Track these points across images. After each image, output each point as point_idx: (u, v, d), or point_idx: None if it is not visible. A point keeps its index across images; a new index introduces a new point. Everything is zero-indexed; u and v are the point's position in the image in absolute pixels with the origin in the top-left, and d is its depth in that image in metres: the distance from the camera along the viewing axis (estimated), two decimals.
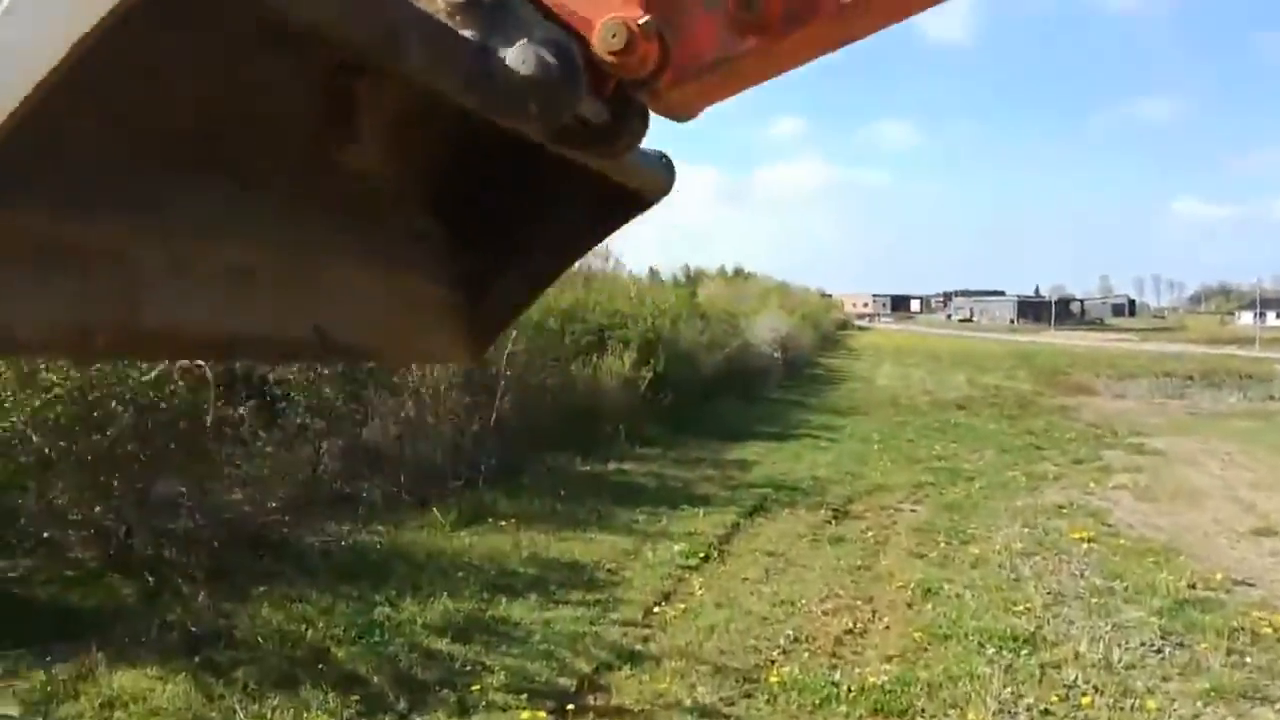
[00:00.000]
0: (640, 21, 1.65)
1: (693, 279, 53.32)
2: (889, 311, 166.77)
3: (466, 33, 1.53)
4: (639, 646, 7.44)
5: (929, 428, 23.13)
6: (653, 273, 46.11)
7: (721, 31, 1.77)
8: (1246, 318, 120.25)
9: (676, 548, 10.26)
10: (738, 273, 68.70)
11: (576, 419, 15.93)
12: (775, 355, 35.52)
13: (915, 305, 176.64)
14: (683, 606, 8.47)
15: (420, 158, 2.06)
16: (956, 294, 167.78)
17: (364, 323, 2.22)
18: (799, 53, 1.96)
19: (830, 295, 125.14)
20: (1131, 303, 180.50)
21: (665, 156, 2.37)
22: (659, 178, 2.35)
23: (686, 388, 21.09)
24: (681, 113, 2.07)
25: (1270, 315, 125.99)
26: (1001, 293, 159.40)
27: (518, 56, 1.53)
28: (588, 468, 14.87)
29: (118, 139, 1.34)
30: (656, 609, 8.36)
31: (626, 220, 2.43)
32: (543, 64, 1.57)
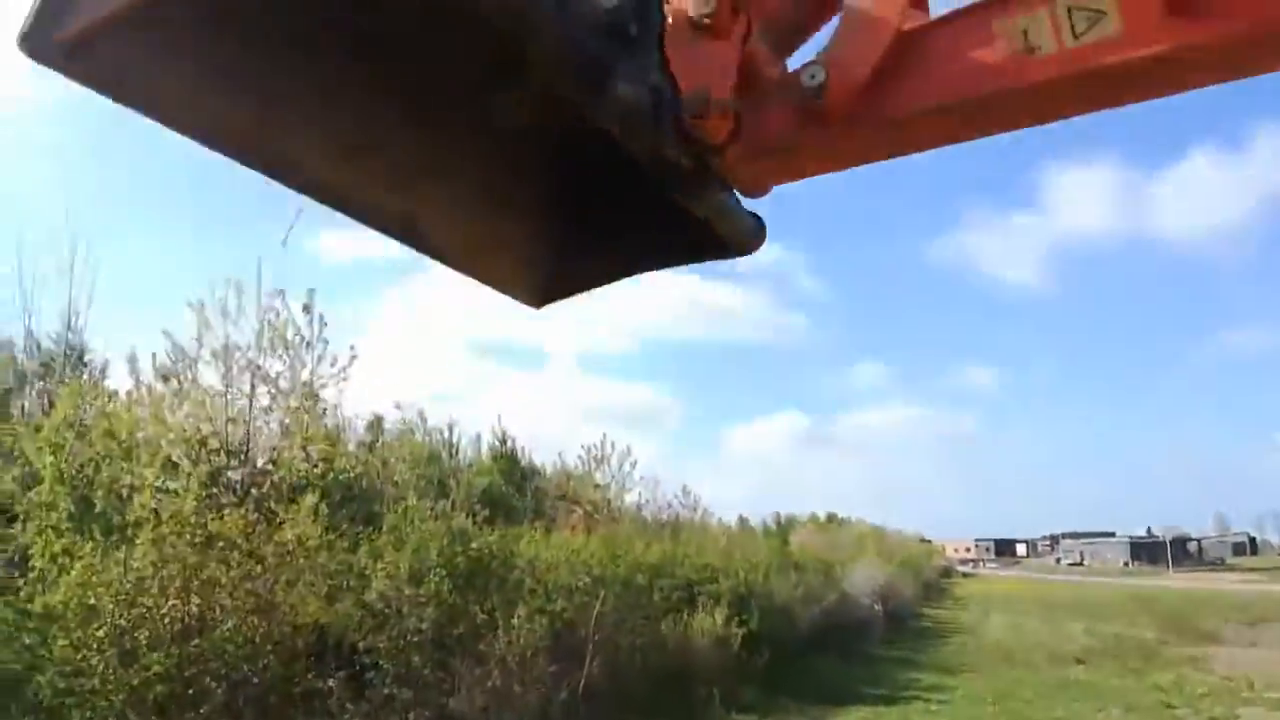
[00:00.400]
0: (718, 98, 2.03)
1: (784, 526, 52.43)
2: (993, 556, 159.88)
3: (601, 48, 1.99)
4: None
5: (1047, 685, 21.64)
6: (742, 521, 45.64)
7: (790, 120, 2.10)
8: None
9: None
10: (830, 518, 67.47)
11: (668, 681, 15.40)
12: (875, 607, 34.09)
13: (1021, 549, 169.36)
14: None
15: (562, 131, 2.39)
16: (1064, 536, 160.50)
17: (457, 232, 2.64)
18: (855, 153, 2.26)
19: (930, 540, 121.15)
20: (1253, 540, 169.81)
21: (759, 218, 2.66)
22: (746, 233, 2.63)
23: (782, 645, 20.31)
24: (747, 185, 2.39)
25: None
26: (1112, 534, 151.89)
27: (628, 86, 1.97)
28: None
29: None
30: None
31: (707, 258, 2.73)
32: (640, 98, 1.97)
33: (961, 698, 19.59)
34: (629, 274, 2.76)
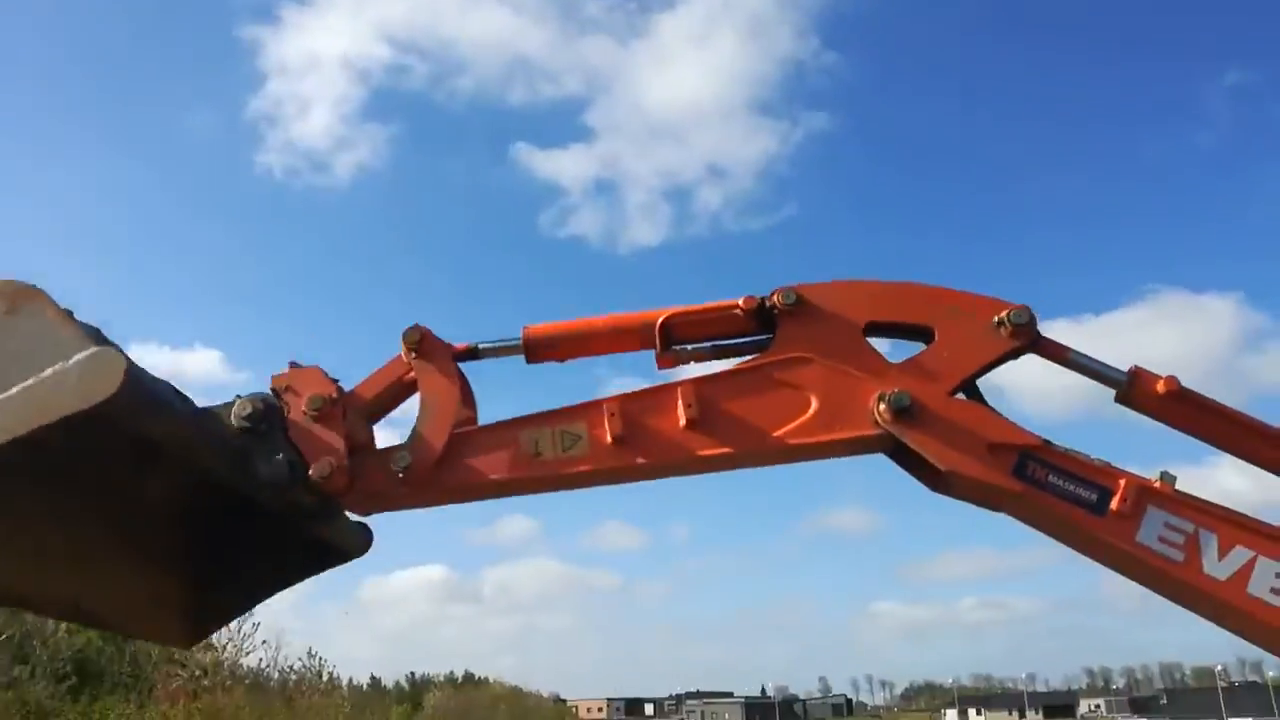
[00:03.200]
0: (337, 465, 3.12)
1: (417, 688, 50.52)
2: (624, 715, 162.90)
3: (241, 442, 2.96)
4: None
5: None
6: (374, 681, 43.71)
7: (387, 480, 3.01)
8: (952, 715, 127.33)
9: None
10: (468, 678, 65.95)
11: None
12: None
13: (649, 709, 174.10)
14: None
15: (188, 497, 3.15)
16: (688, 696, 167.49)
17: (117, 602, 3.24)
18: (434, 502, 3.30)
19: (565, 700, 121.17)
20: (849, 701, 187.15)
21: (366, 526, 3.67)
22: (361, 542, 3.65)
23: None
24: (361, 512, 3.28)
25: (971, 712, 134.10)
26: (730, 694, 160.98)
27: (266, 466, 3.01)
28: None
29: None
30: None
31: (331, 566, 3.60)
32: (278, 472, 3.01)
33: None
34: (269, 594, 3.60)
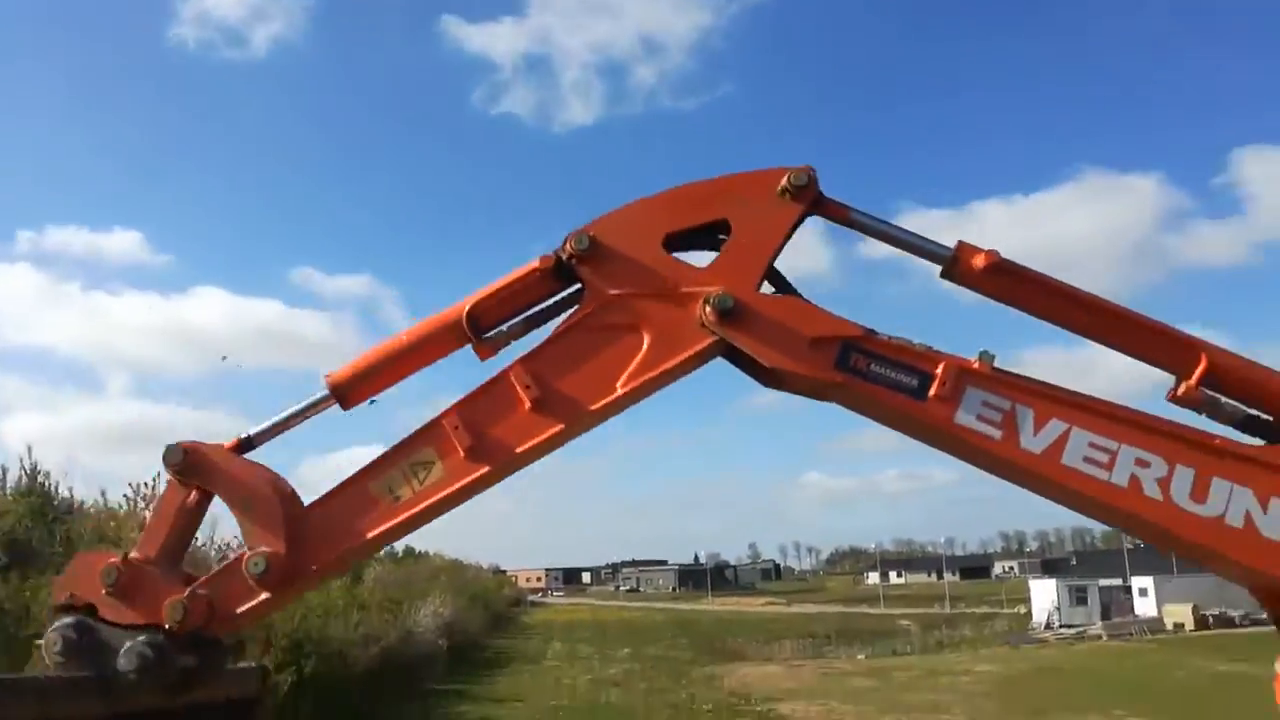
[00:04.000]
0: (182, 599, 2.93)
1: (358, 564, 51.29)
2: (561, 585, 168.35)
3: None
4: None
5: (580, 711, 23.55)
6: None
7: (247, 589, 2.86)
8: (874, 576, 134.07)
9: None
10: (409, 553, 66.94)
11: None
12: (440, 642, 34.64)
13: (586, 577, 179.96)
14: None
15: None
16: (624, 565, 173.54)
17: None
18: (309, 587, 3.13)
19: (504, 571, 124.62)
20: (777, 567, 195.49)
21: (264, 668, 3.70)
22: (252, 685, 3.51)
23: (334, 690, 20.18)
24: (234, 631, 3.16)
25: (893, 575, 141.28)
26: (664, 562, 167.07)
27: (126, 660, 2.85)
28: None
29: None
30: None
31: None
32: (137, 651, 2.86)
33: None
34: None
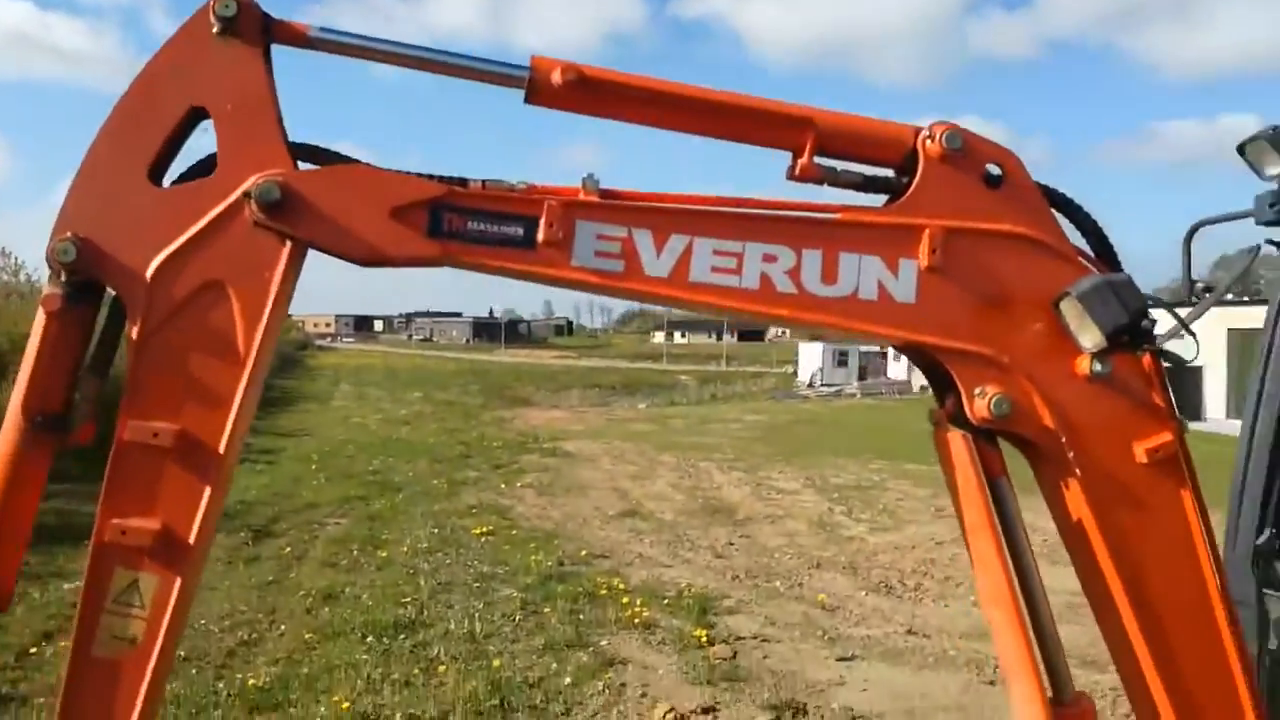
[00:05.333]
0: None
1: None
2: (352, 331, 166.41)
3: None
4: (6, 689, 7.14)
5: (372, 445, 23.96)
6: None
7: None
8: (660, 336, 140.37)
9: (67, 585, 9.78)
10: None
11: None
12: None
13: (378, 326, 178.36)
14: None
15: None
16: (418, 315, 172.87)
17: None
18: None
19: (290, 316, 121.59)
20: (570, 324, 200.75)
21: None
22: None
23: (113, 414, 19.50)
24: None
25: (677, 335, 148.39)
26: (459, 314, 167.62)
27: None
28: None
29: None
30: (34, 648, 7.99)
31: None
32: None
33: (289, 457, 20.92)
34: None
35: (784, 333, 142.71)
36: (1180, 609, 2.12)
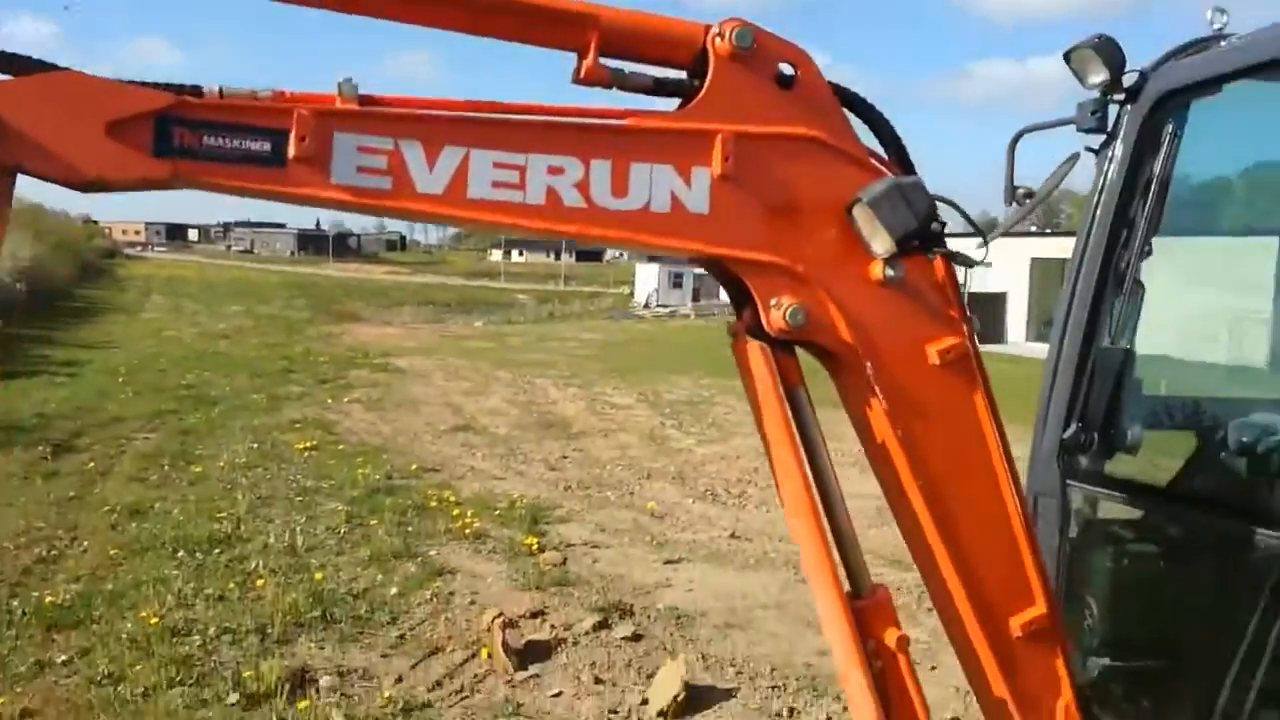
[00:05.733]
0: None
1: None
2: (165, 241, 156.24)
3: None
4: None
5: (186, 359, 22.69)
6: None
7: None
8: (496, 254, 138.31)
9: None
10: None
11: None
12: (19, 286, 31.44)
13: (194, 235, 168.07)
14: None
15: None
16: (237, 225, 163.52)
17: None
18: None
19: (96, 222, 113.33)
20: (403, 239, 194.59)
21: None
22: None
23: None
24: None
25: (514, 253, 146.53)
26: (283, 225, 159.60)
27: None
28: None
29: None
30: None
31: None
32: None
33: (95, 370, 19.57)
34: None
35: (621, 254, 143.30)
36: (973, 504, 2.19)
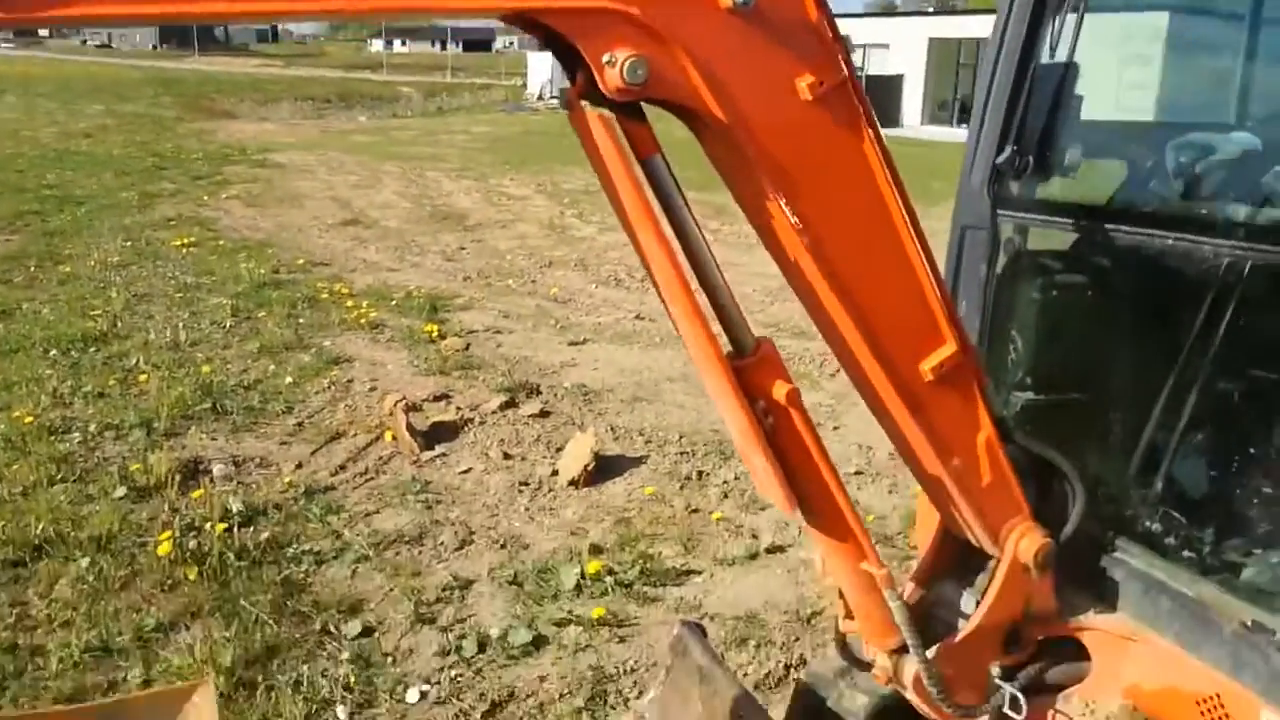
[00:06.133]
0: None
1: None
2: (11, 37, 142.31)
3: None
4: None
5: (46, 158, 20.99)
6: None
7: None
8: (378, 44, 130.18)
9: None
10: None
11: None
12: None
13: (44, 31, 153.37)
14: None
15: None
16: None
17: None
18: None
19: None
20: (274, 29, 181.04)
21: None
22: None
23: None
24: None
25: (397, 43, 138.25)
26: None
27: None
28: None
29: None
30: None
31: None
32: None
33: None
34: None
35: (512, 43, 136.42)
36: (864, 243, 1.94)
